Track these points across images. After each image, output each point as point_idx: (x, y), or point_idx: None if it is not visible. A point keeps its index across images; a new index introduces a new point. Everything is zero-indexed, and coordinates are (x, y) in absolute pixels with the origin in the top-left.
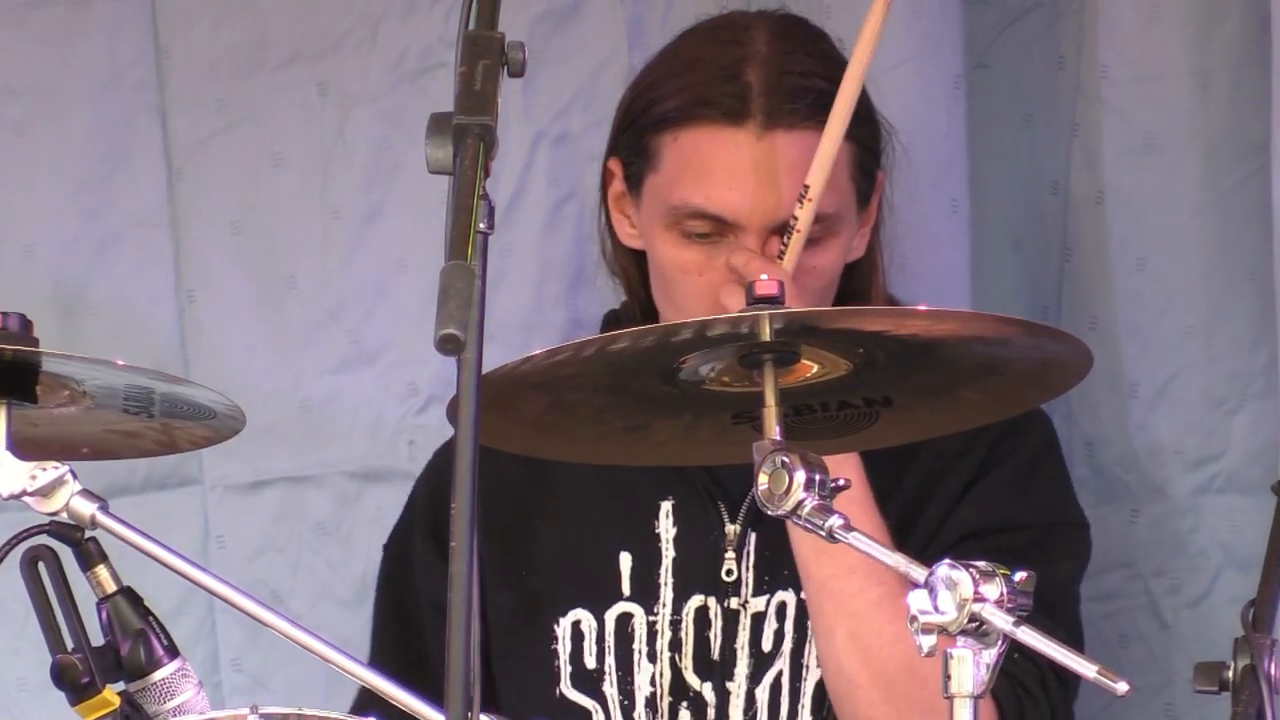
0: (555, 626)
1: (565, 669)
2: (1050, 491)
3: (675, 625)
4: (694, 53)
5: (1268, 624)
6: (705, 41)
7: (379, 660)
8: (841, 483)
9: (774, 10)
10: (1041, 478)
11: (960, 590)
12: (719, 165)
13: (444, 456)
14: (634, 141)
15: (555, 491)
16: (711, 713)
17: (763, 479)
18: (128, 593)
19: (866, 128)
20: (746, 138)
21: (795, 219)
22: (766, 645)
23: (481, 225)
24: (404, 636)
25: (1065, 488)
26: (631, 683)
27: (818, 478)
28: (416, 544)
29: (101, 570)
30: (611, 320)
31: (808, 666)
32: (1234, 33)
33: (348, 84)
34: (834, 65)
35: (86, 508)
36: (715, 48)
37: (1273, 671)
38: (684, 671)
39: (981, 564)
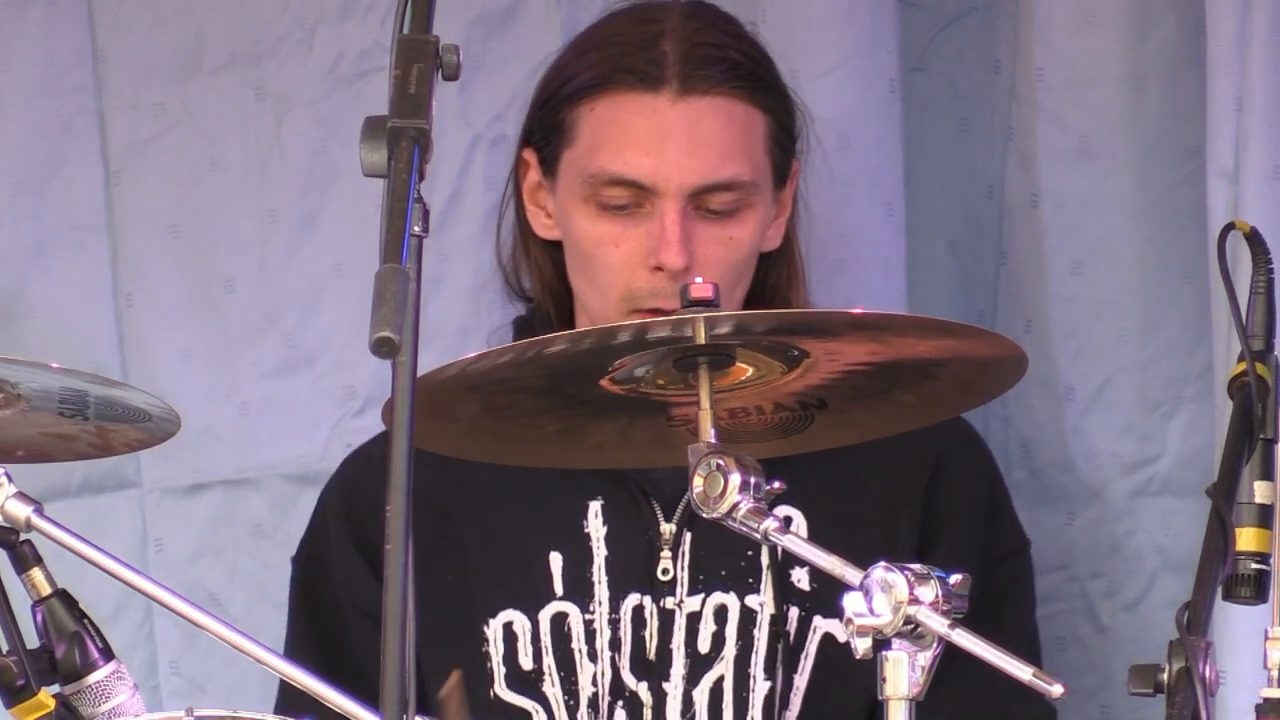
0: (485, 628)
1: (499, 670)
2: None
3: (614, 624)
4: (610, 32)
5: (1202, 626)
6: (621, 21)
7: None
8: (776, 485)
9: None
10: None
11: (895, 593)
12: (636, 130)
13: (352, 466)
14: (549, 119)
15: (479, 494)
16: (648, 713)
17: (698, 481)
18: (63, 595)
19: (781, 102)
20: (663, 103)
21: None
22: (704, 646)
23: (416, 228)
24: (325, 646)
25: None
26: (575, 683)
27: (753, 480)
28: (335, 554)
29: (36, 573)
30: (522, 326)
31: (755, 677)
32: (1168, 36)
33: (284, 88)
34: (747, 42)
35: (21, 510)
36: (631, 25)
37: (1207, 673)
38: (621, 671)
39: (917, 566)
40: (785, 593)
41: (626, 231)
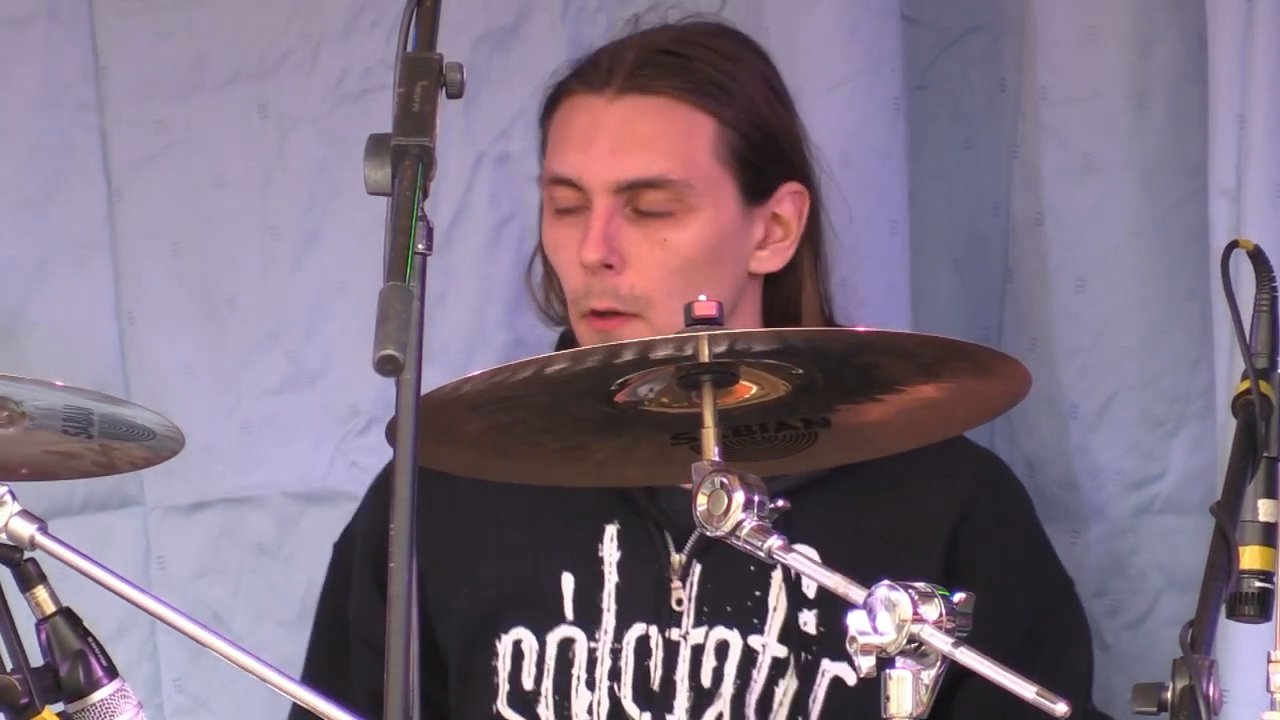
0: (497, 643)
1: (503, 687)
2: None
3: (615, 654)
4: (600, 46)
5: (1206, 645)
6: (614, 37)
7: (311, 669)
8: (780, 503)
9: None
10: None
11: (899, 611)
12: (575, 130)
13: (384, 479)
14: (540, 135)
15: (502, 507)
16: None
17: (701, 500)
18: (67, 613)
19: (747, 116)
20: (600, 102)
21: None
22: (706, 680)
23: (420, 246)
24: (336, 652)
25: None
26: (568, 708)
27: (757, 499)
28: (355, 569)
29: (40, 591)
30: (566, 342)
31: (749, 718)
32: (1171, 53)
33: (288, 105)
34: (726, 58)
35: (25, 529)
36: (617, 36)
37: (1211, 692)
38: (622, 700)
39: (920, 585)
40: (791, 636)
41: (570, 233)
